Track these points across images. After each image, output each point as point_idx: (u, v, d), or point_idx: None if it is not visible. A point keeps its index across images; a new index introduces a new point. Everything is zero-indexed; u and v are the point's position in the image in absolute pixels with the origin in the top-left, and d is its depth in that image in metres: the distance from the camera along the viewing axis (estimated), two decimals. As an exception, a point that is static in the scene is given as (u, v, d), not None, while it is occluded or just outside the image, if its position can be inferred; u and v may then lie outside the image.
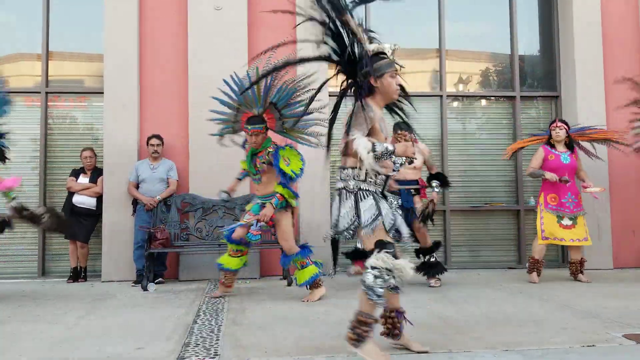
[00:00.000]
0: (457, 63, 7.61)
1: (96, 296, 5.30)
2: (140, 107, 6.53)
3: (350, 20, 3.03)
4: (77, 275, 6.29)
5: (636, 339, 3.47)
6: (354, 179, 3.08)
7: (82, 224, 6.28)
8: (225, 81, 4.94)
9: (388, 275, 2.94)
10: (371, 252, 3.00)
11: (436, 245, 5.68)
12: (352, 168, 3.07)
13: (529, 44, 7.73)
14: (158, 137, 6.26)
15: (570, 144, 6.02)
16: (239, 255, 5.07)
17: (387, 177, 3.16)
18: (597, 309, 4.41)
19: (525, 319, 4.06)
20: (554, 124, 6.02)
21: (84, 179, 6.36)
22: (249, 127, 4.82)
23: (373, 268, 2.95)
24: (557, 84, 7.48)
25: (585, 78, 7.09)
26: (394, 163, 5.39)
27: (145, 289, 5.57)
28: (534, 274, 5.85)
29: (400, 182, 5.44)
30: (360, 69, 3.07)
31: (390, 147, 2.96)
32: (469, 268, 7.03)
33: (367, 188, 3.08)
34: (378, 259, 2.95)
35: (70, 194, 6.32)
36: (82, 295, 5.38)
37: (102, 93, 6.50)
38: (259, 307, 4.62)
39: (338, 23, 3.04)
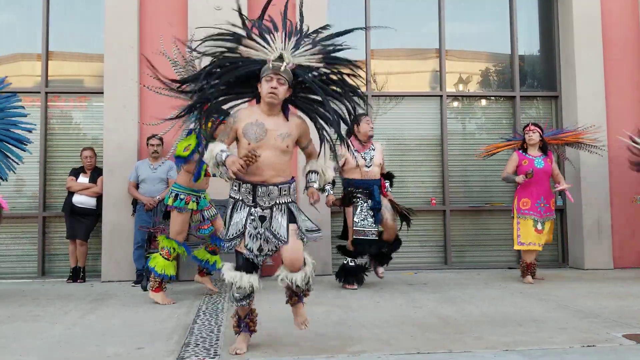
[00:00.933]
0: (457, 63, 7.61)
1: (96, 296, 5.30)
2: (140, 107, 6.53)
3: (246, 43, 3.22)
4: (77, 275, 6.29)
5: (636, 339, 3.47)
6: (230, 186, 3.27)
7: (81, 223, 6.28)
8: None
9: (236, 291, 3.22)
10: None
11: (399, 240, 5.75)
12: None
13: (529, 44, 7.73)
14: (158, 137, 6.26)
15: (544, 148, 6.01)
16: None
17: (255, 185, 3.15)
18: (597, 308, 4.41)
19: (525, 319, 4.07)
20: (528, 128, 6.00)
21: (83, 179, 6.36)
22: None
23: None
24: (557, 84, 7.49)
25: (585, 78, 7.09)
26: (364, 159, 5.49)
27: (145, 289, 5.56)
28: (528, 276, 5.83)
29: (370, 181, 5.54)
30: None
31: (222, 156, 3.05)
32: (469, 268, 7.04)
33: (232, 196, 3.25)
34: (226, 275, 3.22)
35: (70, 193, 6.32)
36: (82, 295, 5.38)
37: (102, 93, 6.50)
38: (258, 307, 4.60)
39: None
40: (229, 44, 3.24)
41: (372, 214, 5.46)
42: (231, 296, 3.28)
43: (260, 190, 3.16)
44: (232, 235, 3.18)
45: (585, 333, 3.63)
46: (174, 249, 4.86)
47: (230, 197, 3.26)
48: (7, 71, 6.98)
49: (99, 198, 6.34)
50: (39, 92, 6.78)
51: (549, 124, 7.26)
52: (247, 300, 3.26)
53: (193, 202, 4.88)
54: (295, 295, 3.38)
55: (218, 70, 3.25)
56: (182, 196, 4.85)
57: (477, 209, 7.30)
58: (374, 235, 5.47)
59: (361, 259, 5.62)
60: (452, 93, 7.44)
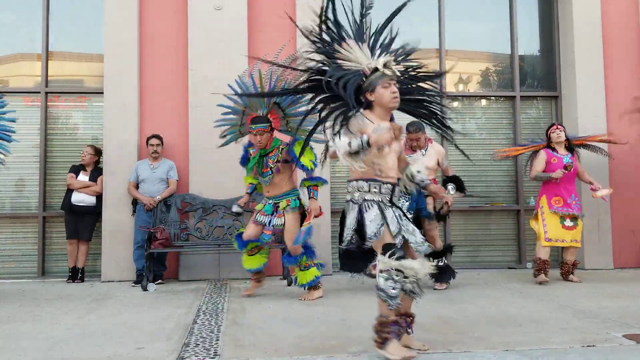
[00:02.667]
0: (457, 63, 7.60)
1: (96, 296, 5.30)
2: (140, 107, 6.53)
3: (346, 46, 3.25)
4: (76, 275, 6.29)
5: (636, 339, 3.47)
6: (358, 190, 3.22)
7: (82, 223, 6.28)
8: (230, 86, 4.94)
9: (398, 276, 3.05)
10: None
11: (447, 248, 5.58)
12: (357, 180, 3.23)
13: (529, 44, 7.73)
14: (158, 137, 6.26)
15: (569, 147, 6.02)
16: (256, 252, 5.14)
17: (393, 185, 3.25)
18: (597, 309, 4.41)
19: (525, 319, 4.06)
20: (554, 127, 6.03)
21: (83, 177, 6.36)
22: (254, 127, 4.88)
23: (381, 271, 3.07)
24: (557, 84, 7.48)
25: (585, 78, 7.09)
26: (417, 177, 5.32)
27: (145, 289, 5.57)
28: (542, 275, 5.75)
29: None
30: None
31: (365, 138, 3.01)
32: (469, 268, 7.03)
33: (371, 198, 3.20)
34: (384, 262, 3.06)
35: (69, 191, 6.31)
36: (82, 295, 5.38)
37: (102, 93, 6.50)
38: (259, 307, 4.62)
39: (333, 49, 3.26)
40: (326, 54, 3.28)
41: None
42: (386, 296, 3.04)
43: (397, 190, 3.30)
44: (396, 231, 3.16)
45: (585, 333, 3.63)
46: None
47: (366, 200, 3.18)
48: (7, 71, 7.00)
49: (99, 197, 6.34)
50: (39, 92, 6.78)
51: (549, 124, 7.25)
52: (414, 288, 3.13)
53: (260, 204, 5.14)
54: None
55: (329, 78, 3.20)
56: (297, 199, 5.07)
57: (477, 209, 7.30)
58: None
59: None
60: (452, 93, 7.43)
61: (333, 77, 3.15)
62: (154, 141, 6.22)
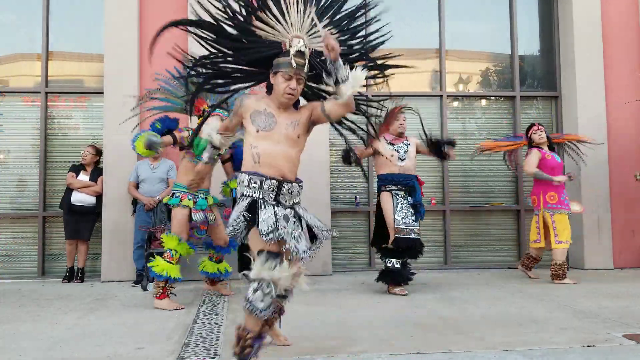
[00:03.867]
0: (457, 63, 7.61)
1: (96, 296, 5.30)
2: (141, 107, 6.52)
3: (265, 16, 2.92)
4: (72, 275, 6.28)
5: (636, 339, 3.47)
6: (239, 183, 2.91)
7: (82, 223, 6.28)
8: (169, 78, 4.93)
9: (268, 287, 2.71)
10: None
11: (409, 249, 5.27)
12: (242, 172, 2.90)
13: (529, 44, 7.73)
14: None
15: (551, 145, 6.03)
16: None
17: (280, 182, 2.86)
18: (597, 308, 4.41)
19: (525, 319, 4.06)
20: (534, 128, 5.99)
21: (84, 177, 6.35)
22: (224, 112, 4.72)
23: (251, 281, 2.75)
24: (557, 84, 7.49)
25: (585, 78, 7.10)
26: (397, 152, 5.22)
27: (145, 289, 5.57)
28: (566, 278, 5.76)
29: (409, 175, 5.26)
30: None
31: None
32: (469, 268, 7.04)
33: (248, 194, 2.84)
34: (253, 271, 2.74)
35: (69, 191, 6.31)
36: (82, 295, 5.38)
37: (102, 93, 6.50)
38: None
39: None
40: (242, 15, 2.97)
41: (413, 211, 5.17)
42: (252, 307, 2.79)
43: (285, 187, 2.87)
44: (267, 230, 2.75)
45: (585, 333, 3.63)
46: (176, 251, 4.70)
47: (244, 195, 2.86)
48: (7, 71, 7.00)
49: (98, 197, 6.34)
50: (39, 92, 6.78)
51: (549, 124, 7.27)
52: (282, 299, 3.02)
53: (189, 200, 4.81)
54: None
55: (229, 45, 3.00)
56: (177, 194, 4.81)
57: (477, 209, 7.30)
58: (416, 235, 5.13)
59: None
60: (452, 93, 7.44)
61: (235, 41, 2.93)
62: (154, 141, 6.21)
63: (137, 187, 6.19)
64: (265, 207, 2.82)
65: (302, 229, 2.88)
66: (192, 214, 4.81)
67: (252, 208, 2.82)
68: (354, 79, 2.78)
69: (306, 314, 4.27)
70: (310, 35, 2.94)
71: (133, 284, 5.95)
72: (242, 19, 2.99)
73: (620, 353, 3.22)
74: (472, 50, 7.68)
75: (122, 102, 6.40)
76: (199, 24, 3.05)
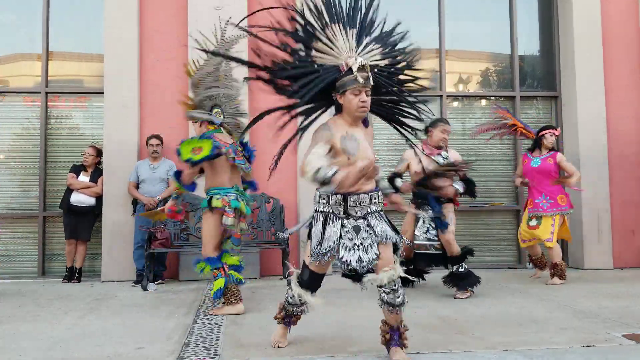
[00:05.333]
0: (457, 63, 7.61)
1: (96, 296, 5.30)
2: (140, 107, 6.53)
3: (330, 35, 3.01)
4: (72, 275, 6.28)
5: (636, 339, 3.47)
6: (314, 199, 3.16)
7: (81, 223, 6.28)
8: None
9: (292, 299, 3.25)
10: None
11: (466, 253, 5.11)
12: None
13: (529, 44, 7.73)
14: (158, 137, 6.26)
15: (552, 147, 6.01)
16: None
17: (345, 195, 2.99)
18: (597, 308, 4.41)
19: (525, 319, 4.07)
20: (552, 131, 5.94)
21: (84, 177, 6.35)
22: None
23: (289, 288, 3.27)
24: (557, 84, 7.49)
25: (585, 78, 7.09)
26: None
27: (145, 289, 5.57)
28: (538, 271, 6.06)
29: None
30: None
31: (329, 174, 2.70)
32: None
33: (321, 209, 3.08)
34: (290, 285, 3.26)
35: (69, 191, 6.31)
36: (82, 295, 5.38)
37: (102, 93, 6.50)
38: (259, 307, 4.62)
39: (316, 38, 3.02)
40: (302, 45, 3.05)
41: (434, 225, 5.03)
42: (286, 296, 3.34)
43: (351, 199, 3.01)
44: (326, 249, 3.00)
45: (585, 333, 3.63)
46: (226, 263, 4.47)
47: (317, 210, 3.09)
48: (7, 71, 7.00)
49: (98, 197, 6.33)
50: (39, 92, 6.78)
51: (549, 124, 7.26)
52: (300, 309, 3.33)
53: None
54: (391, 330, 3.13)
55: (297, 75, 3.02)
56: (218, 197, 4.42)
57: (477, 209, 7.29)
58: (436, 250, 5.02)
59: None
60: (452, 93, 7.44)
61: (296, 78, 2.95)
62: (154, 141, 6.22)
63: (137, 187, 6.19)
64: (333, 222, 3.04)
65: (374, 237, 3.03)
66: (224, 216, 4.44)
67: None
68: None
69: (306, 314, 4.26)
70: (359, 54, 3.03)
71: (133, 284, 5.94)
72: (303, 54, 3.07)
73: (620, 353, 3.22)
74: (472, 50, 7.68)
75: (121, 102, 6.42)
76: (261, 67, 3.05)
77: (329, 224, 3.03)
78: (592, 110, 7.04)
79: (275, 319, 3.42)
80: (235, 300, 4.38)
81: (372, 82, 2.99)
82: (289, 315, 3.37)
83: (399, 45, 3.23)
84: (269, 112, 3.06)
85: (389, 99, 3.20)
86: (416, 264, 5.18)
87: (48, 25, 6.85)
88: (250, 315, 4.33)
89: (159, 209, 5.04)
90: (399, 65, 3.21)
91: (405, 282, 5.27)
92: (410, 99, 3.16)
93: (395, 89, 3.13)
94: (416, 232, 5.09)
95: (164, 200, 5.94)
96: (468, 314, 4.27)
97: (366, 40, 3.07)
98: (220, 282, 4.35)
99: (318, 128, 3.04)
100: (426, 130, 5.17)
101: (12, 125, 6.78)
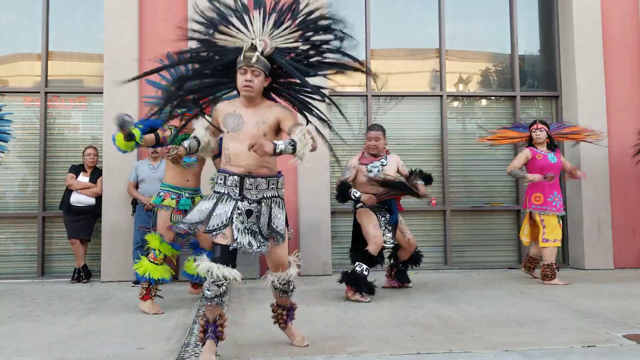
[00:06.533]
0: (457, 63, 7.60)
1: (96, 296, 5.30)
2: (140, 107, 6.52)
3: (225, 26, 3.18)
4: (81, 275, 6.27)
5: (637, 339, 3.47)
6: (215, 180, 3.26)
7: (81, 222, 6.26)
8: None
9: (211, 279, 3.00)
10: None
11: (417, 257, 5.54)
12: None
13: (529, 44, 7.73)
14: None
15: (551, 144, 6.01)
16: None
17: (242, 177, 3.07)
18: (597, 309, 4.41)
19: (526, 319, 4.06)
20: (534, 126, 5.96)
21: (83, 177, 6.34)
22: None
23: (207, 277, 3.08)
24: (557, 83, 7.48)
25: (585, 78, 7.09)
26: (370, 170, 5.18)
27: (145, 289, 5.56)
28: (556, 279, 5.77)
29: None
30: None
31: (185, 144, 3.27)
32: (469, 268, 7.03)
33: (217, 190, 3.15)
34: (200, 265, 3.09)
35: (68, 192, 6.30)
36: (82, 295, 5.38)
37: (102, 93, 6.50)
38: (259, 307, 4.62)
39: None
40: (202, 33, 3.23)
41: (390, 228, 5.22)
42: (203, 294, 3.12)
43: (247, 182, 3.08)
44: (214, 226, 3.03)
45: (585, 333, 3.63)
46: (159, 251, 4.58)
47: (215, 191, 3.15)
48: (7, 71, 6.99)
49: (98, 197, 6.33)
50: (39, 92, 6.77)
51: (550, 121, 7.26)
52: (220, 299, 3.02)
53: (172, 199, 4.70)
54: (282, 310, 3.39)
55: (197, 62, 3.31)
56: (161, 193, 4.72)
57: (477, 209, 7.29)
58: (391, 244, 5.27)
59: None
60: (452, 93, 7.43)
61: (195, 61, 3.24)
62: (154, 141, 6.21)
63: (136, 187, 6.18)
64: (225, 202, 3.07)
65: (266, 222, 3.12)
66: (172, 214, 4.65)
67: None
68: (302, 146, 2.93)
69: (306, 314, 4.27)
70: (272, 37, 3.14)
71: (133, 284, 5.94)
72: (203, 35, 3.25)
73: (621, 354, 3.21)
74: (472, 50, 7.67)
75: (121, 102, 6.41)
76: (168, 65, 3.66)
77: (221, 202, 3.08)
78: (592, 110, 7.03)
79: (199, 337, 3.14)
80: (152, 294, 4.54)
81: (253, 61, 3.03)
82: (211, 323, 3.08)
83: (323, 29, 3.19)
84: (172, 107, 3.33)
85: (294, 83, 3.23)
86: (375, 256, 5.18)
87: (47, 25, 6.84)
88: (250, 315, 4.33)
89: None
90: (323, 48, 3.19)
91: (402, 282, 5.52)
92: (311, 84, 3.12)
93: (300, 72, 3.09)
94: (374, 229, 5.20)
95: None
96: (468, 314, 4.27)
97: (285, 24, 3.13)
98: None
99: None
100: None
101: (11, 125, 6.76)
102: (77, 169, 6.37)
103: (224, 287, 3.01)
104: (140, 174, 6.16)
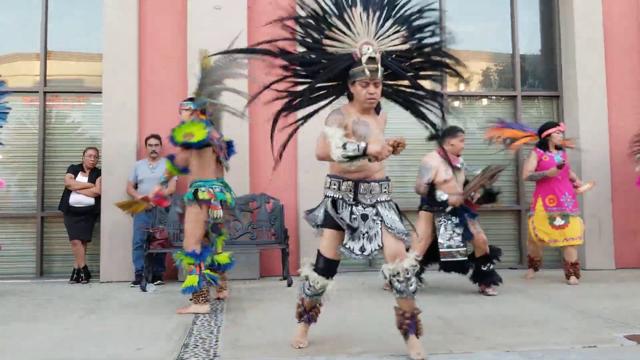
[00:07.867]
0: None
1: (95, 297, 5.29)
2: (140, 107, 6.52)
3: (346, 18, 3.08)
4: (81, 275, 6.27)
5: (637, 339, 3.46)
6: (324, 184, 3.24)
7: (81, 223, 6.26)
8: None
9: (310, 289, 3.25)
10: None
11: (494, 252, 5.40)
12: (329, 175, 3.24)
13: (530, 44, 7.72)
14: (156, 137, 6.24)
15: (558, 145, 6.00)
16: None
17: (356, 183, 3.10)
18: (598, 309, 4.40)
19: (526, 320, 4.06)
20: (558, 127, 5.93)
21: (82, 178, 6.34)
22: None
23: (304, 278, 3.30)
24: (558, 83, 7.47)
25: (586, 78, 7.07)
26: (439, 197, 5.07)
27: (144, 289, 5.55)
28: (573, 277, 5.77)
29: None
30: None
31: (362, 145, 2.89)
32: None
33: (331, 195, 3.17)
34: (303, 267, 3.31)
35: (67, 192, 6.29)
36: (82, 295, 5.37)
37: (101, 93, 6.49)
38: (259, 307, 4.61)
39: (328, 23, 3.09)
40: (311, 37, 3.13)
41: (459, 232, 5.10)
42: (302, 288, 3.31)
43: (362, 187, 3.10)
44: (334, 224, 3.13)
45: (586, 334, 3.62)
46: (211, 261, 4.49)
47: (327, 195, 3.18)
48: (6, 71, 6.97)
49: (97, 197, 6.32)
50: (38, 92, 6.76)
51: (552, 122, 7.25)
52: (317, 298, 3.30)
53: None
54: (403, 314, 3.09)
55: (309, 70, 3.16)
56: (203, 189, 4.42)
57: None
58: (462, 257, 5.09)
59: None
60: (452, 93, 7.42)
61: (310, 66, 3.09)
62: (153, 141, 6.20)
63: (136, 187, 6.17)
64: (343, 208, 3.11)
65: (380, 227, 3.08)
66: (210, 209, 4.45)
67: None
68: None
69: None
70: (378, 39, 3.10)
71: (132, 285, 5.93)
72: (312, 42, 3.14)
73: (622, 354, 3.21)
74: (472, 50, 7.66)
75: (120, 102, 6.40)
76: (276, 54, 3.17)
77: (340, 208, 3.12)
78: (593, 110, 7.02)
79: (297, 317, 3.39)
80: (203, 299, 4.37)
81: (379, 76, 3.03)
82: (307, 310, 3.33)
83: (428, 28, 3.24)
84: (280, 112, 3.19)
85: (406, 86, 3.27)
86: (444, 270, 5.24)
87: (47, 24, 6.82)
88: (250, 315, 4.32)
89: (139, 198, 4.98)
90: (426, 50, 3.23)
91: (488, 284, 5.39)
92: (426, 88, 3.21)
93: (411, 76, 3.17)
94: (440, 240, 5.09)
95: None
96: (468, 315, 4.26)
97: (388, 23, 3.10)
98: (193, 279, 4.31)
99: (331, 113, 3.12)
100: (441, 139, 5.11)
101: (10, 125, 6.75)
102: (75, 169, 6.36)
103: (319, 292, 3.27)
104: (140, 174, 6.16)
